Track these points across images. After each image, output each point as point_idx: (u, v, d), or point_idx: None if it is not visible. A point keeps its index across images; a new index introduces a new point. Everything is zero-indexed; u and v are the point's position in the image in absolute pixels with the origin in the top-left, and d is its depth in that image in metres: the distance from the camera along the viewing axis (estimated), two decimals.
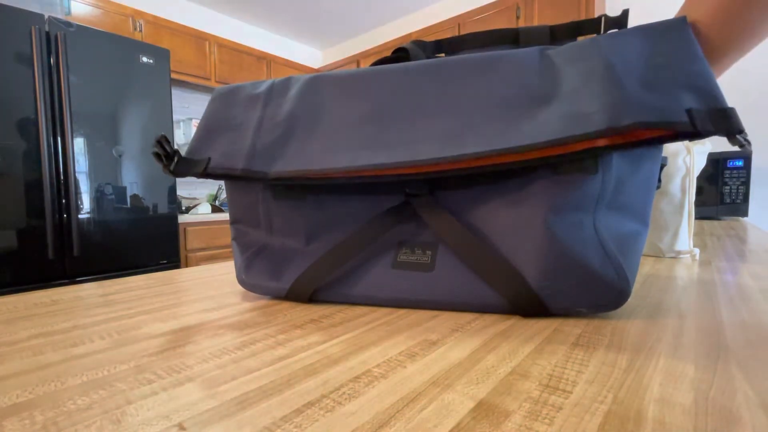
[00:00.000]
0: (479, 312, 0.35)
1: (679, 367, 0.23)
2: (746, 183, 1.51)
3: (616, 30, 0.35)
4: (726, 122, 0.26)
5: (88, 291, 0.46)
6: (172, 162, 0.37)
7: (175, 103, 2.76)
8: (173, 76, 2.50)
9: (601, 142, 0.30)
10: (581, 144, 0.29)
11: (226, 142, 0.38)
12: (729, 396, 0.20)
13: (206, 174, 0.37)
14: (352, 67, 0.36)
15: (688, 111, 0.26)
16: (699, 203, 1.55)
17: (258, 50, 3.00)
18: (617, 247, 0.32)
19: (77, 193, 1.75)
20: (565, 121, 0.28)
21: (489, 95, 0.32)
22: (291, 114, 0.37)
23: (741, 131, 0.26)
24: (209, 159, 0.37)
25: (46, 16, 1.65)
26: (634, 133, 0.30)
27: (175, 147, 2.47)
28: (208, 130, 0.39)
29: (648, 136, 0.30)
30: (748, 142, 0.28)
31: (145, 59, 1.96)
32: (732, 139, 0.27)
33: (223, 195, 2.95)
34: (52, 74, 1.66)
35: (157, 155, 0.36)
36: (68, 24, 1.71)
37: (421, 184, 0.36)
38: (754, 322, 0.31)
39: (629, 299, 0.38)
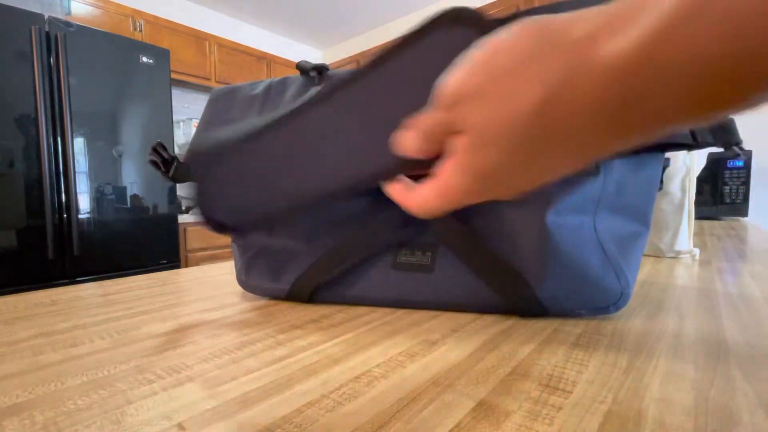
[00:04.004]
0: (479, 312, 0.35)
1: (679, 367, 0.23)
2: (746, 183, 1.51)
3: None
4: (725, 135, 0.27)
5: (88, 291, 0.46)
6: (171, 168, 0.36)
7: (175, 103, 2.75)
8: (173, 76, 2.50)
9: None
10: None
11: None
12: (729, 396, 0.20)
13: None
14: (352, 67, 0.36)
15: None
16: (699, 203, 1.55)
17: (258, 50, 3.00)
18: (617, 248, 0.32)
19: (77, 192, 1.75)
20: None
21: None
22: None
23: (738, 143, 0.26)
24: None
25: (46, 16, 1.65)
26: None
27: (175, 147, 2.47)
28: (206, 133, 0.39)
29: (648, 145, 0.30)
30: (743, 150, 0.28)
31: (145, 59, 1.96)
32: (728, 149, 0.27)
33: None
34: (52, 74, 1.66)
35: (155, 163, 0.36)
36: (68, 24, 1.71)
37: None
38: (753, 323, 0.31)
39: (629, 300, 0.38)
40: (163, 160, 0.36)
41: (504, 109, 0.14)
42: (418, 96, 0.18)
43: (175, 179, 0.36)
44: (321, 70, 0.37)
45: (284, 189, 0.23)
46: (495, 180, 0.16)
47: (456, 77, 0.16)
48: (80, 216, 1.76)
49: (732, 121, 0.27)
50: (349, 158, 0.20)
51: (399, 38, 0.18)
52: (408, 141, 0.19)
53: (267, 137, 0.23)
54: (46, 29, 1.65)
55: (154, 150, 0.36)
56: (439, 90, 0.16)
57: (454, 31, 0.17)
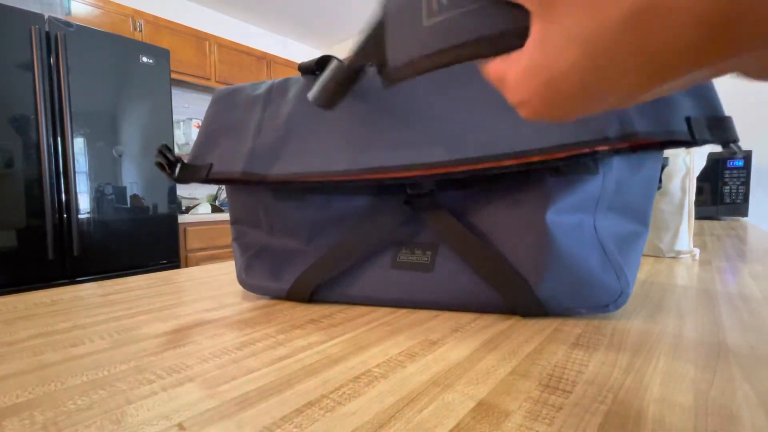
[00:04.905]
0: (479, 312, 0.35)
1: (679, 367, 0.23)
2: (746, 183, 1.52)
3: None
4: (723, 132, 0.27)
5: (88, 291, 0.46)
6: (175, 170, 0.37)
7: (175, 103, 2.75)
8: (173, 76, 2.50)
9: (602, 148, 0.30)
10: (582, 149, 0.29)
11: (226, 146, 0.38)
12: (729, 396, 0.20)
13: (209, 180, 0.37)
14: None
15: (687, 119, 0.27)
16: (699, 203, 1.55)
17: (258, 50, 3.00)
18: (617, 248, 0.32)
19: (77, 192, 1.75)
20: (567, 127, 0.28)
21: (490, 96, 0.32)
22: (290, 116, 0.37)
23: (736, 141, 0.27)
24: (211, 165, 0.37)
25: (46, 16, 1.65)
26: (634, 140, 0.30)
27: (175, 147, 2.47)
28: (209, 134, 0.39)
29: (648, 143, 0.30)
30: (740, 149, 0.28)
31: (145, 59, 1.96)
32: (725, 146, 0.27)
33: (223, 195, 2.95)
34: (52, 74, 1.66)
35: (160, 165, 0.37)
36: (68, 24, 1.71)
37: (422, 185, 0.36)
38: (753, 322, 0.31)
39: (629, 300, 0.38)
40: (168, 161, 0.37)
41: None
42: None
43: (179, 180, 0.37)
44: (323, 62, 0.37)
45: None
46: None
47: None
48: (80, 216, 1.76)
49: (729, 119, 0.27)
50: None
51: None
52: None
53: None
54: (46, 29, 1.65)
55: (160, 152, 0.37)
56: None
57: None
